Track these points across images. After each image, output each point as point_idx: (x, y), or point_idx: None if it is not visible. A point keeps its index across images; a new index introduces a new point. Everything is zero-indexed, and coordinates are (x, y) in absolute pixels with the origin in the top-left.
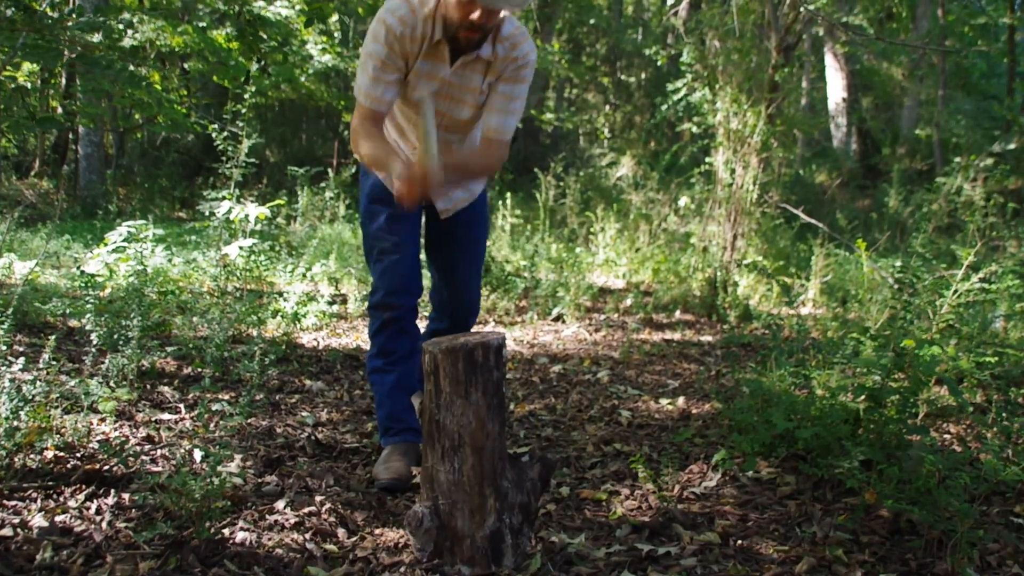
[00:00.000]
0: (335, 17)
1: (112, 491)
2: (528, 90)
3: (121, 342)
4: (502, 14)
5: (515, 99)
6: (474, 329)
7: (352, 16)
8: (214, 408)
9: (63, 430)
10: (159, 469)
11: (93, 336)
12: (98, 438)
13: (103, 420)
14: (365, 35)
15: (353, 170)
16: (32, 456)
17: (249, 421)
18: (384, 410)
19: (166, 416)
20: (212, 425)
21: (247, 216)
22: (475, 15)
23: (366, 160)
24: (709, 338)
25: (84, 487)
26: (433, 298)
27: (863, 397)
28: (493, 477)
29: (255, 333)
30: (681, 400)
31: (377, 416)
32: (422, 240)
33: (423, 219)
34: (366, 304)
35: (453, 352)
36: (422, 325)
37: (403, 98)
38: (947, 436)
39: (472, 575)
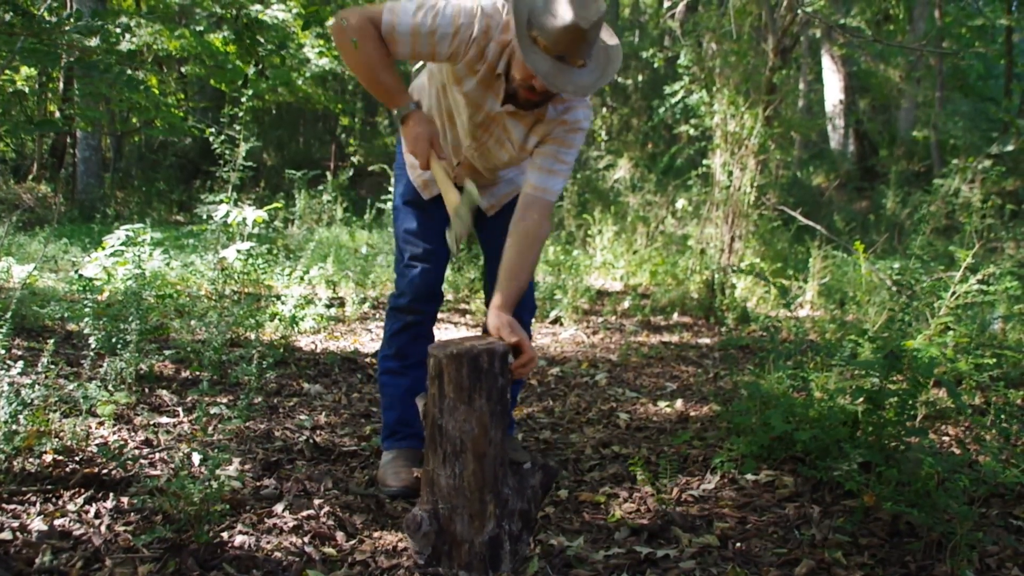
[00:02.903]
0: (331, 20)
1: (111, 495)
2: (577, 154)
3: (119, 346)
4: None
5: (561, 161)
6: (470, 332)
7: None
8: (212, 411)
9: (62, 434)
10: (158, 473)
11: (91, 340)
12: (97, 442)
13: (102, 424)
14: None
15: (351, 172)
16: (31, 460)
17: (247, 424)
18: (394, 413)
19: (164, 419)
20: (210, 428)
21: (244, 219)
22: (536, 82)
23: (366, 70)
24: (707, 340)
25: (83, 491)
26: (488, 290)
27: (861, 399)
28: (494, 483)
29: (253, 336)
30: (679, 402)
31: (384, 418)
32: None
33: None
34: (387, 303)
35: (458, 357)
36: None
37: (446, 95)
38: (946, 438)
39: None
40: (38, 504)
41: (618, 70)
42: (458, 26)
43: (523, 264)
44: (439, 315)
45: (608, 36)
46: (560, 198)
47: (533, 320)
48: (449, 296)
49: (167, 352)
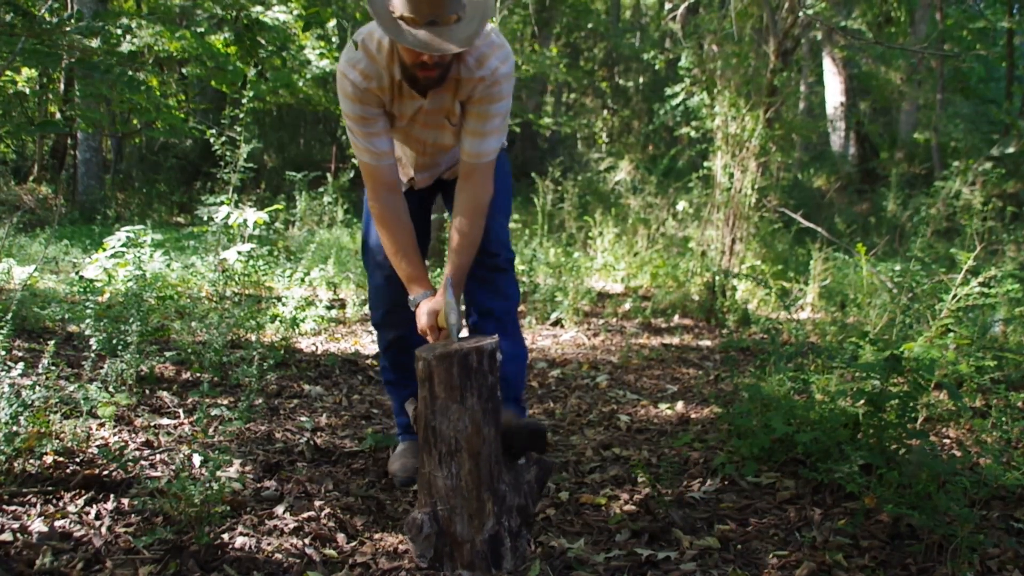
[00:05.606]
0: (332, 22)
1: (111, 496)
2: (508, 105)
3: (120, 347)
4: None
5: (490, 118)
6: (465, 333)
7: (350, 20)
8: (213, 413)
9: (62, 435)
10: (158, 474)
11: (92, 341)
12: (97, 443)
13: (102, 425)
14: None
15: (352, 174)
16: (32, 461)
17: (248, 426)
18: (403, 418)
19: (165, 421)
20: (211, 430)
21: (245, 221)
22: (425, 56)
23: (387, 252)
24: (708, 342)
25: (83, 492)
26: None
27: (862, 401)
28: (490, 481)
29: (253, 338)
30: (680, 405)
31: (396, 421)
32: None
33: (431, 205)
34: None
35: (447, 358)
36: None
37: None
38: (947, 440)
39: None
40: (39, 505)
41: (493, 10)
42: (356, 97)
43: (472, 237)
44: None
45: None
46: (561, 199)
47: (520, 307)
48: None
49: (168, 354)
